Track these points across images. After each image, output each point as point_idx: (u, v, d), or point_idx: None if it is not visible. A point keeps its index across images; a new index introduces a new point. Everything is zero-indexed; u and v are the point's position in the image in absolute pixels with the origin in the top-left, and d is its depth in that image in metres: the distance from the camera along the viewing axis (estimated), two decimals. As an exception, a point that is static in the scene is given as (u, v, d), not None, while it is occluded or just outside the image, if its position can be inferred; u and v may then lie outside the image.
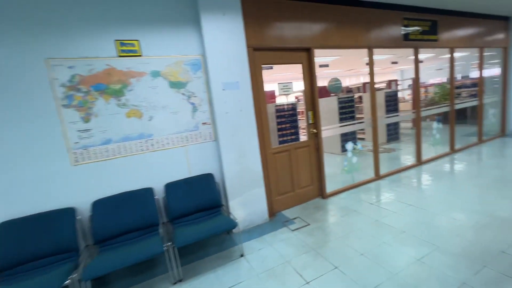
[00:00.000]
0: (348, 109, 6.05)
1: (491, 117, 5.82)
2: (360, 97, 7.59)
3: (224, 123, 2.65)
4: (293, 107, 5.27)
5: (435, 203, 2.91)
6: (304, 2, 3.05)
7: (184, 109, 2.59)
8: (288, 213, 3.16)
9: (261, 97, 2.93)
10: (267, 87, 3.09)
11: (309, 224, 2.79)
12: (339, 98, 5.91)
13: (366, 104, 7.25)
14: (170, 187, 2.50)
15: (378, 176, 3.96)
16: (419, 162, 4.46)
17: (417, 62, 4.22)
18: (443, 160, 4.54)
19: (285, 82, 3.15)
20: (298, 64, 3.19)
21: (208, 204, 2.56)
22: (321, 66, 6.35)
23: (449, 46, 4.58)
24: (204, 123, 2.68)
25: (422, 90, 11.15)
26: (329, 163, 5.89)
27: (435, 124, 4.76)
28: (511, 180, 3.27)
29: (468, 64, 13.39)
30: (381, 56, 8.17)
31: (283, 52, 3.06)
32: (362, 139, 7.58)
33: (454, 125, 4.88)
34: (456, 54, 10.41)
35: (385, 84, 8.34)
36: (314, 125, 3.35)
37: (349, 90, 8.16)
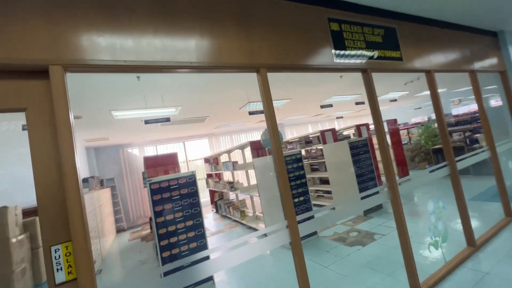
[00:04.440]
0: (296, 173, 3.92)
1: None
2: (321, 150, 5.61)
3: None
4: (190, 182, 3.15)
5: None
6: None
7: None
8: None
9: None
10: None
11: None
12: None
13: (329, 160, 5.22)
14: None
15: None
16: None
17: (371, 89, 2.28)
18: (464, 281, 2.24)
19: None
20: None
21: None
22: (251, 113, 4.46)
23: (424, 68, 2.77)
24: None
25: (404, 132, 9.46)
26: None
27: (430, 204, 2.58)
28: None
29: (447, 101, 12.21)
30: (344, 97, 6.53)
31: None
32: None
33: (465, 207, 2.73)
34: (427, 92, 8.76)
35: (354, 130, 6.51)
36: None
37: (308, 140, 6.24)
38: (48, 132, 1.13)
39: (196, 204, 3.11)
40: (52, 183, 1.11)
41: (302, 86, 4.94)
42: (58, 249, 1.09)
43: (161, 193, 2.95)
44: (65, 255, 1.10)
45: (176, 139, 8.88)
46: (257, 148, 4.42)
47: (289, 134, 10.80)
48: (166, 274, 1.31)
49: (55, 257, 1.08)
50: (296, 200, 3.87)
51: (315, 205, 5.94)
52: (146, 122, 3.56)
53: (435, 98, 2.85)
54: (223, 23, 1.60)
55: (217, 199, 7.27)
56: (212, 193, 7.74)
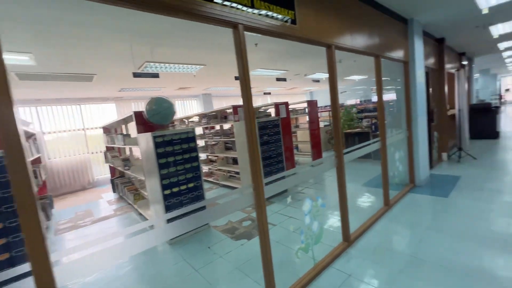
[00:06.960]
0: (185, 155, 3.23)
1: (397, 163, 3.98)
2: (230, 128, 5.05)
3: None
4: None
5: None
6: None
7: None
8: None
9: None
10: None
11: None
12: (156, 137, 3.05)
13: (238, 139, 4.71)
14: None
15: None
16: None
17: (242, 57, 1.69)
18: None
19: None
20: None
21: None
22: (136, 75, 3.45)
23: (324, 41, 2.31)
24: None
25: (324, 114, 9.82)
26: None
27: (307, 204, 2.30)
28: None
29: (369, 88, 13.32)
30: (266, 71, 5.98)
31: None
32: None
33: (345, 197, 2.56)
34: (356, 77, 8.99)
35: (274, 109, 6.17)
36: None
37: (225, 116, 5.58)
38: None
39: (8, 199, 2.14)
40: None
41: (216, 50, 4.11)
42: None
43: None
44: None
45: (69, 101, 7.03)
46: (143, 122, 3.51)
47: (218, 105, 9.99)
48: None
49: None
50: (184, 187, 3.26)
51: (226, 186, 5.54)
52: None
53: (332, 81, 2.47)
54: None
55: (117, 176, 6.16)
56: (113, 169, 6.53)
